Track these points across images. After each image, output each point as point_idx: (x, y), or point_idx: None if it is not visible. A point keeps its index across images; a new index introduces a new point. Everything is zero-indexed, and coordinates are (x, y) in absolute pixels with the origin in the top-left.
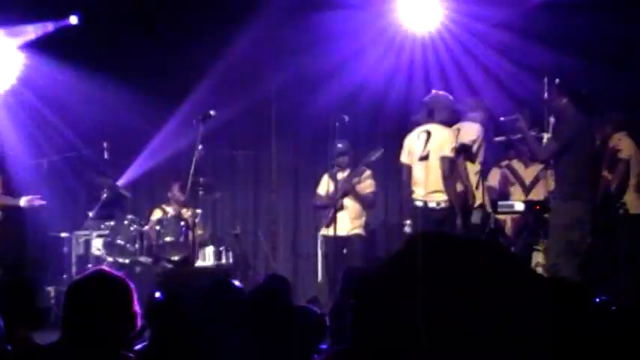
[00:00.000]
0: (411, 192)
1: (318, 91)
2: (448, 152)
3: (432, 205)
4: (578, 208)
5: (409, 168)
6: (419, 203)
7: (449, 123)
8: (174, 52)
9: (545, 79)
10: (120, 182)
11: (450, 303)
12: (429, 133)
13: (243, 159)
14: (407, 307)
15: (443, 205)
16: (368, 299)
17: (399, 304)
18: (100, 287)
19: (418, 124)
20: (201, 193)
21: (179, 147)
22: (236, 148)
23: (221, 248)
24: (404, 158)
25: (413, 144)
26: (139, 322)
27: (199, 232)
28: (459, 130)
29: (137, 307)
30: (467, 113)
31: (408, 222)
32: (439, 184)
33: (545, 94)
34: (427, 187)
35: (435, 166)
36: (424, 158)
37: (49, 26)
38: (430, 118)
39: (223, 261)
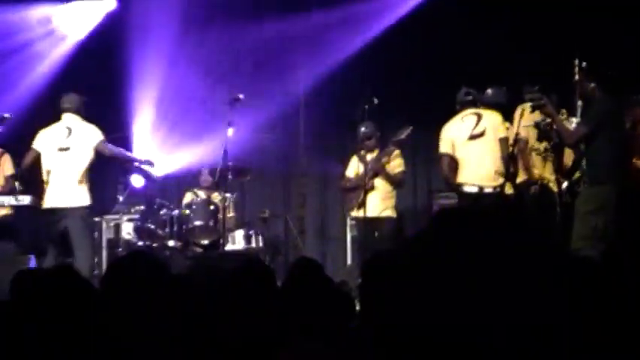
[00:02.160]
0: (455, 180)
1: (347, 73)
2: (504, 134)
3: (488, 190)
4: (605, 193)
5: (450, 158)
6: (472, 189)
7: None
8: (203, 35)
9: (576, 60)
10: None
11: (464, 282)
12: (479, 115)
13: (271, 143)
14: (420, 284)
15: (499, 190)
16: (377, 276)
17: (412, 281)
18: (140, 267)
19: (463, 106)
20: (230, 177)
21: (208, 131)
22: (264, 131)
23: (250, 232)
24: (444, 148)
25: (456, 129)
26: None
27: (229, 215)
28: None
29: None
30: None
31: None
32: (498, 164)
33: (576, 76)
34: (483, 168)
35: (492, 144)
36: (477, 136)
37: None
38: (474, 102)
39: (253, 245)
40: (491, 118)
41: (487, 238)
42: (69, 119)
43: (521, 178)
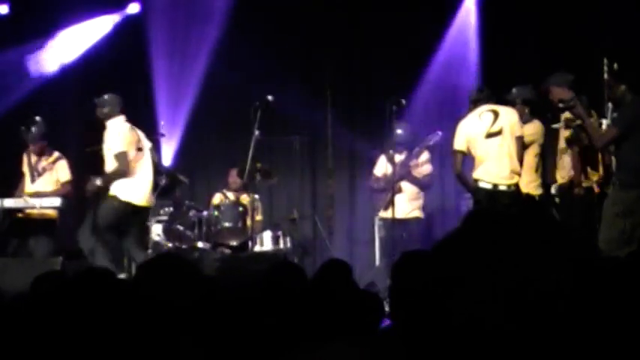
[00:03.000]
0: (466, 176)
1: (374, 74)
2: (520, 132)
3: (502, 188)
4: (634, 197)
5: (462, 155)
6: (486, 185)
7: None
8: (232, 36)
9: (605, 60)
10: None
11: (497, 282)
12: (495, 113)
13: (299, 144)
14: (453, 285)
15: (513, 188)
16: (408, 277)
17: (445, 282)
18: (170, 268)
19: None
20: (258, 178)
21: (237, 132)
22: (292, 132)
23: (279, 233)
24: (458, 145)
25: (473, 126)
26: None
27: (257, 217)
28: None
29: None
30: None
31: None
32: (514, 162)
33: (605, 75)
34: (499, 167)
35: (509, 143)
36: (494, 134)
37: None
38: (491, 99)
39: (281, 246)
40: (508, 116)
41: (519, 238)
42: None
43: (563, 178)
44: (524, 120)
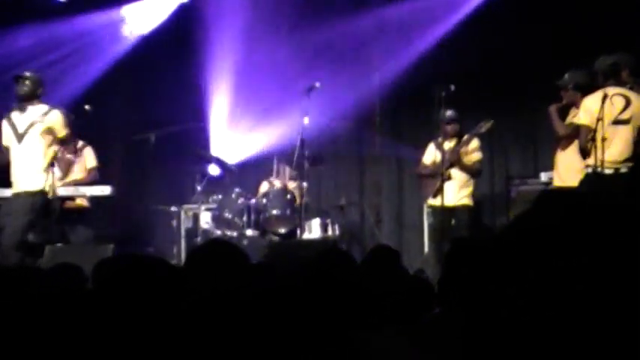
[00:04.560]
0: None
1: (421, 60)
2: None
3: (608, 171)
4: None
5: (589, 130)
6: (608, 171)
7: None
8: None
9: None
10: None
11: (566, 269)
12: (627, 100)
13: (347, 131)
14: (518, 272)
15: (623, 170)
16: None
17: (510, 270)
18: (219, 255)
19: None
20: (306, 165)
21: (285, 119)
22: (340, 119)
23: (327, 220)
24: (587, 120)
25: (602, 107)
26: None
27: (305, 204)
28: None
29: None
30: None
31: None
32: (629, 151)
33: None
34: (619, 154)
35: (634, 132)
36: (623, 122)
37: None
38: (618, 81)
39: (329, 233)
40: (637, 104)
41: (595, 222)
42: None
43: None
44: (578, 105)
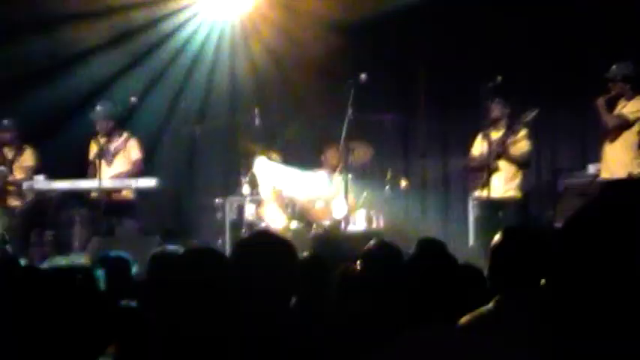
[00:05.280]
0: None
1: (469, 50)
2: None
3: None
4: None
5: None
6: None
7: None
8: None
9: None
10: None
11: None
12: None
13: (392, 123)
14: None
15: None
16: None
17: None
18: (267, 246)
19: None
20: (351, 157)
21: (329, 111)
22: (385, 111)
23: (372, 212)
24: None
25: None
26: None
27: (350, 196)
28: None
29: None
30: None
31: None
32: None
33: None
34: None
35: None
36: None
37: None
38: None
39: (374, 225)
40: None
41: None
42: None
43: None
44: (627, 97)
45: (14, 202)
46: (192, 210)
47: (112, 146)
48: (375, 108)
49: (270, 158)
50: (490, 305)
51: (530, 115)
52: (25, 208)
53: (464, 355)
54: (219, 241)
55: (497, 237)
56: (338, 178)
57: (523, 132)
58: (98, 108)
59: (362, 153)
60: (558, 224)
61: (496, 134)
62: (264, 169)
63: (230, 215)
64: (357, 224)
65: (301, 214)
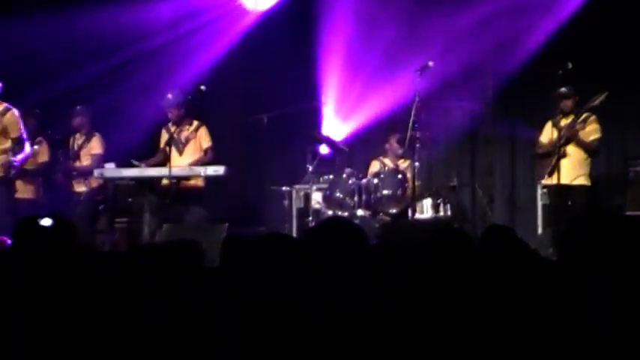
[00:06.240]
0: None
1: (536, 35)
2: None
3: None
4: None
5: None
6: None
7: None
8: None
9: None
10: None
11: None
12: None
13: (458, 111)
14: None
15: None
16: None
17: None
18: (339, 233)
19: None
20: (418, 145)
21: (396, 99)
22: (451, 100)
23: (438, 201)
24: None
25: None
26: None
27: (417, 184)
28: None
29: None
30: None
31: None
32: None
33: None
34: None
35: None
36: None
37: None
38: None
39: (441, 213)
40: None
41: None
42: None
43: None
44: None
45: (80, 187)
46: (260, 198)
47: (183, 135)
48: (442, 95)
49: None
50: (559, 294)
51: (598, 100)
52: (90, 194)
53: (534, 342)
54: (286, 228)
55: (566, 225)
56: (403, 165)
57: (592, 117)
58: (169, 96)
59: (428, 141)
60: (629, 213)
61: (565, 121)
62: None
63: (297, 203)
64: (425, 212)
65: (368, 202)
